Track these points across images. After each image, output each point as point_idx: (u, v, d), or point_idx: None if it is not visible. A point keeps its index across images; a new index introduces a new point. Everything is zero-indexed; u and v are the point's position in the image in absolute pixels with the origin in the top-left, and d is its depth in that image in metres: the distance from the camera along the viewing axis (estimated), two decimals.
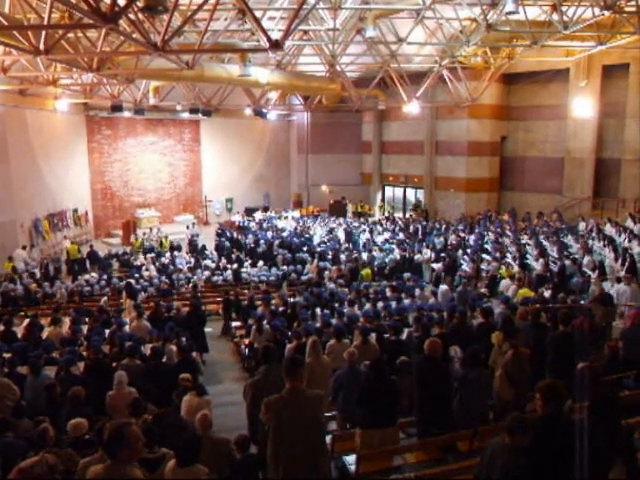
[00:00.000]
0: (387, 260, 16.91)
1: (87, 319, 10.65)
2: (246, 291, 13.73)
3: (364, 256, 17.34)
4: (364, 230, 22.09)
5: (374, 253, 17.51)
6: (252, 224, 24.32)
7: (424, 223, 22.86)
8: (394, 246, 18.19)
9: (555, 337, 6.24)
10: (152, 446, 4.48)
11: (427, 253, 16.71)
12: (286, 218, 25.51)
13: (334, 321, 9.18)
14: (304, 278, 15.11)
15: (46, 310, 12.09)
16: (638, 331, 6.65)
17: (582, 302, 9.74)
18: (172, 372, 6.70)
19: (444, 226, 21.36)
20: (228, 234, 21.89)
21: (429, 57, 20.57)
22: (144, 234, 21.65)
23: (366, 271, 15.38)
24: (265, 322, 9.39)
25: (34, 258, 16.73)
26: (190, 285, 14.60)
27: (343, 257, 17.35)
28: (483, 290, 13.03)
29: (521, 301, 9.59)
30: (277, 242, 19.75)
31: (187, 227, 22.72)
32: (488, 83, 20.86)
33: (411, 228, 21.91)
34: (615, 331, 9.16)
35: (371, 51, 19.42)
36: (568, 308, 8.74)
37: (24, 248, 16.57)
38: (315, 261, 16.71)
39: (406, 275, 14.11)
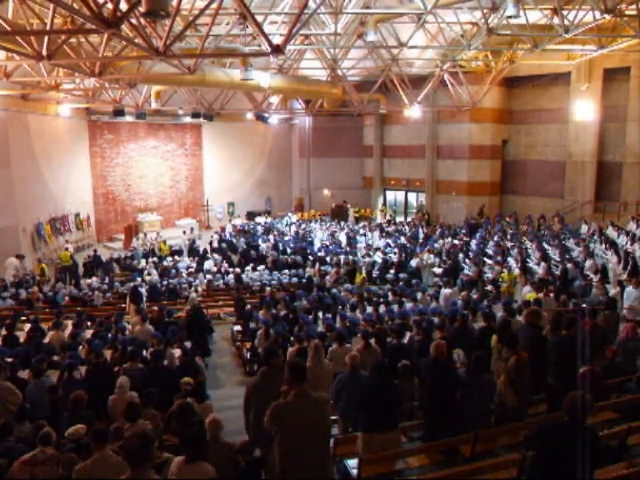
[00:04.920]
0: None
1: (89, 323, 10.67)
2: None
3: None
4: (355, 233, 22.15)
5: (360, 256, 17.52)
6: (258, 228, 24.26)
7: (425, 227, 22.84)
8: (395, 249, 18.17)
9: (557, 341, 6.21)
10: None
11: (430, 258, 16.66)
12: (296, 224, 25.11)
13: (337, 325, 9.18)
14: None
15: (49, 314, 12.11)
16: (631, 344, 6.74)
17: (584, 305, 9.70)
18: (173, 376, 6.70)
19: (441, 230, 21.35)
20: (227, 237, 21.92)
21: (430, 61, 20.60)
22: (144, 238, 21.64)
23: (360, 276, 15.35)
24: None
25: (25, 267, 16.63)
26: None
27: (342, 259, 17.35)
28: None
29: (523, 303, 9.54)
30: (276, 245, 19.74)
31: (184, 232, 22.44)
32: (489, 87, 20.87)
33: (412, 232, 21.89)
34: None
35: (372, 55, 19.45)
36: (570, 311, 8.71)
37: (17, 257, 16.22)
38: (317, 265, 16.70)
39: (402, 276, 14.07)
